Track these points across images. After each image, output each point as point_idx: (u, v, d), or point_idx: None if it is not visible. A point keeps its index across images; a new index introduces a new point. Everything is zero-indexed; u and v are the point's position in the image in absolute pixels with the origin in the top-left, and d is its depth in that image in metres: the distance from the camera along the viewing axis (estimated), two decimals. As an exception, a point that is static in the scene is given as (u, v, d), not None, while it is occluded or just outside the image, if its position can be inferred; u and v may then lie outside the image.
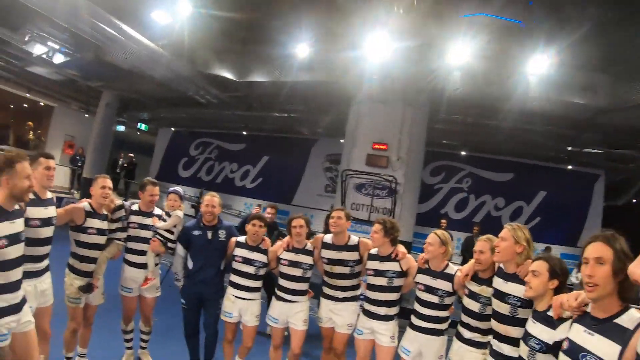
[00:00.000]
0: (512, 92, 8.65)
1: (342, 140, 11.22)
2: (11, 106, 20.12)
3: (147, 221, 4.77)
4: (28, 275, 3.33)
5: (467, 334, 3.82)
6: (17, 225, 3.04)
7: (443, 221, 11.44)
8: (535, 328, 2.78)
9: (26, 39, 10.79)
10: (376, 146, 9.59)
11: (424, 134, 10.14)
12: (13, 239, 2.97)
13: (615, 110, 8.67)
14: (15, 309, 3.03)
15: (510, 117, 9.54)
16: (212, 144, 20.01)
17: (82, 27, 8.94)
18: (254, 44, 10.26)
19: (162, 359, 5.14)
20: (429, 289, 4.07)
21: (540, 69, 8.16)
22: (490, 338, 3.58)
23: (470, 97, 9.29)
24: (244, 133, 18.64)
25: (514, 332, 3.18)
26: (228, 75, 11.43)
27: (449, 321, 4.16)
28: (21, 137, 18.47)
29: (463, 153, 14.67)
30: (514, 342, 3.16)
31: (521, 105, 8.92)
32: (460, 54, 8.06)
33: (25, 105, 19.87)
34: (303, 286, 4.71)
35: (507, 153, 13.57)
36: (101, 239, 4.34)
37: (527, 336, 2.81)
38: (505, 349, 3.24)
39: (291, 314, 4.65)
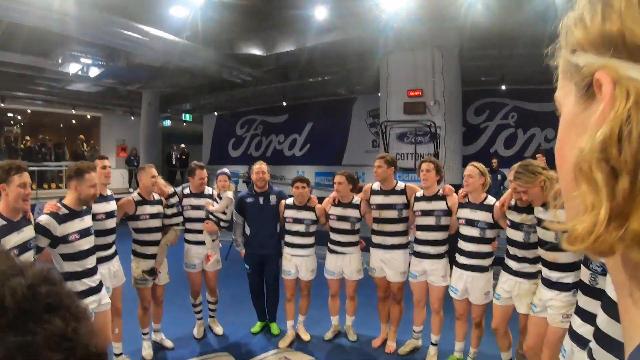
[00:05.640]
0: (538, 16, 8.19)
1: (380, 94, 11.15)
2: (61, 125, 21.19)
3: (200, 202, 5.07)
4: (101, 260, 3.90)
5: (514, 265, 3.80)
6: (86, 222, 3.59)
7: (494, 160, 11.26)
8: None
9: (60, 61, 11.30)
10: (411, 93, 9.50)
11: (458, 73, 9.90)
12: (83, 232, 3.51)
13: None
14: (95, 290, 3.58)
15: (543, 44, 9.02)
16: (255, 120, 20.18)
17: (109, 39, 9.27)
18: (272, 16, 10.23)
19: (230, 325, 5.50)
20: (469, 222, 4.14)
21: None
22: (539, 267, 3.58)
23: (497, 28, 8.91)
24: (285, 104, 18.62)
25: (563, 258, 3.21)
26: (256, 52, 11.52)
27: (493, 257, 4.19)
28: (76, 151, 19.37)
29: (504, 87, 14.08)
30: (563, 268, 3.22)
31: (551, 29, 8.42)
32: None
33: (74, 121, 20.86)
34: (354, 238, 5.00)
35: (550, 82, 12.85)
36: (156, 222, 4.71)
37: (587, 259, 2.72)
38: (554, 276, 3.28)
39: (345, 266, 4.89)
